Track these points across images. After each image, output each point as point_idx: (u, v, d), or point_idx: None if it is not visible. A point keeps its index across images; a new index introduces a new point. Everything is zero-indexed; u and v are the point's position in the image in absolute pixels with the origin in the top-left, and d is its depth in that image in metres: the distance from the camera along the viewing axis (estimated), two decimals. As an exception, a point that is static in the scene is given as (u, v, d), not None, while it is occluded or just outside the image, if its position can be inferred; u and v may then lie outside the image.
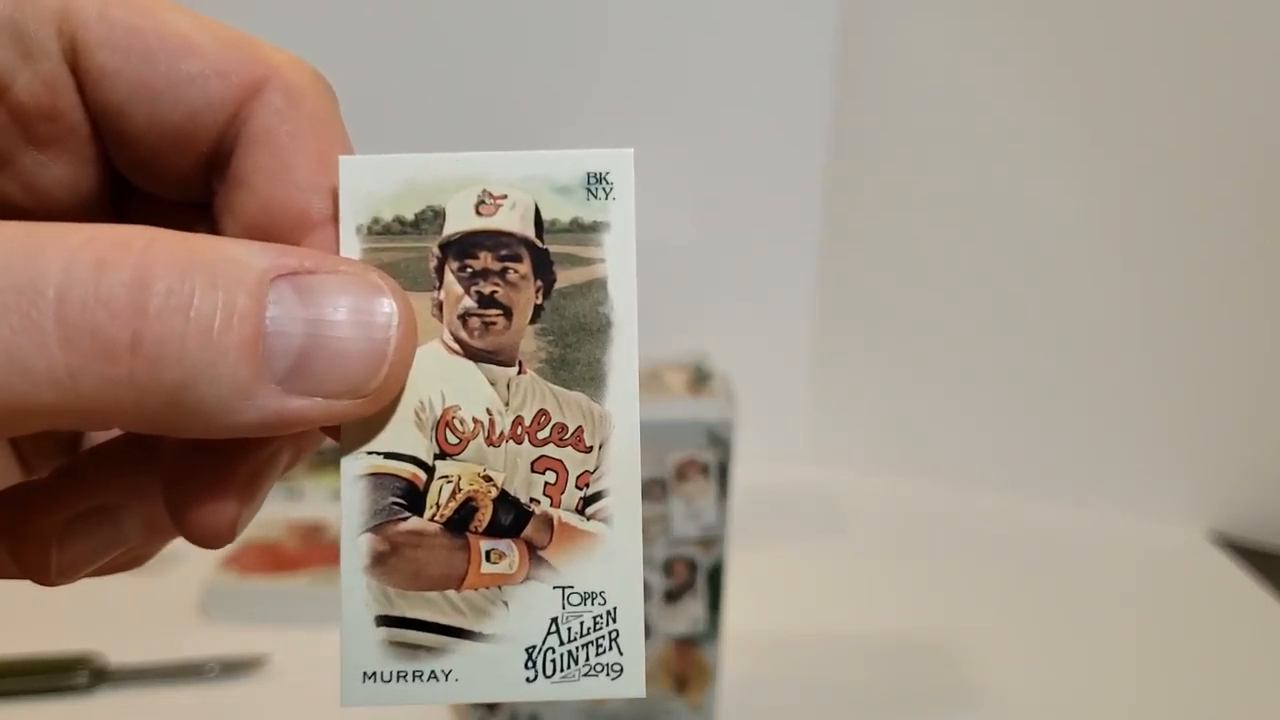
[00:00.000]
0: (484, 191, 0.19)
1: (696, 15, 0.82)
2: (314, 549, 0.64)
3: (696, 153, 0.85)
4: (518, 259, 0.19)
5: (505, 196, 0.19)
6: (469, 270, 0.19)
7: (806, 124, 0.84)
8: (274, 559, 0.62)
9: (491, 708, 0.48)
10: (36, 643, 0.54)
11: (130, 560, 0.21)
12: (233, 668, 0.53)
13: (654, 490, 0.45)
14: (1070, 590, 0.68)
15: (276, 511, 0.71)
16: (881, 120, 0.82)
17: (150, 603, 0.61)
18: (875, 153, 0.83)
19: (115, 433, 0.22)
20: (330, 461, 0.75)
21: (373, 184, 0.19)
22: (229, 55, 0.19)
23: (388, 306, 0.17)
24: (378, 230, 0.19)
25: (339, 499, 0.19)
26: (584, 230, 0.19)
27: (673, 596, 0.47)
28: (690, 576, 0.47)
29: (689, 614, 0.47)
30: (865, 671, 0.57)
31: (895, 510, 0.81)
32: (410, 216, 0.19)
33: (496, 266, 0.19)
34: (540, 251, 0.19)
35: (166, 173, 0.20)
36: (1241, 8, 0.69)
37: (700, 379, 0.49)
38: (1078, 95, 0.75)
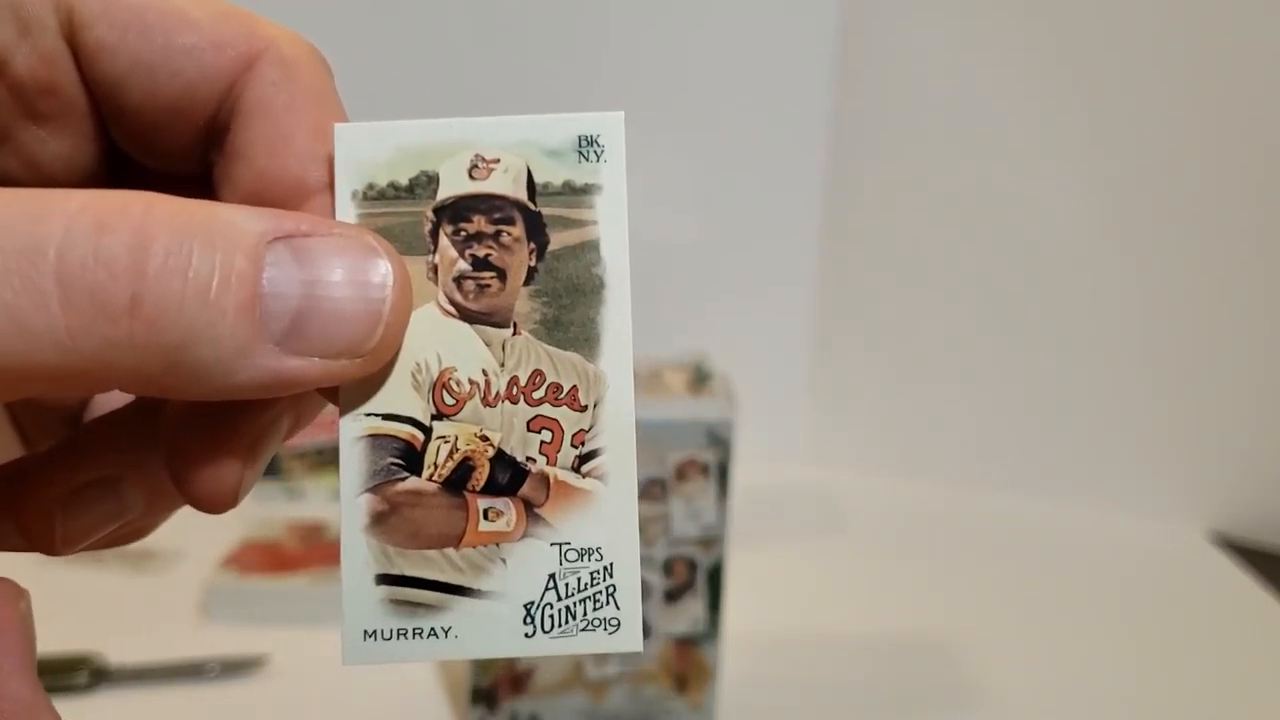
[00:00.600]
0: (476, 156, 0.19)
1: (697, 15, 0.82)
2: (314, 549, 0.64)
3: (697, 152, 0.85)
4: (511, 222, 0.19)
5: (498, 160, 0.19)
6: (463, 233, 0.19)
7: (806, 124, 0.84)
8: (274, 559, 0.62)
9: (491, 705, 0.48)
10: (37, 643, 0.54)
11: (133, 532, 0.21)
12: (233, 668, 0.53)
13: (654, 490, 0.45)
14: (1070, 590, 0.68)
15: (276, 511, 0.71)
16: (881, 120, 0.82)
17: (150, 603, 0.61)
18: (875, 152, 0.83)
19: (118, 403, 0.22)
20: (330, 462, 0.75)
21: (367, 151, 0.19)
22: (224, 28, 0.19)
23: (383, 268, 0.17)
24: (373, 196, 0.19)
25: (339, 499, 0.19)
26: (576, 193, 0.19)
27: (673, 596, 0.47)
28: (690, 576, 0.47)
29: (689, 614, 0.47)
30: (865, 671, 0.57)
31: (895, 510, 0.81)
32: (404, 182, 0.19)
33: (490, 229, 0.19)
34: (533, 214, 0.19)
35: (165, 146, 0.20)
36: (1242, 8, 0.69)
37: (700, 379, 0.49)
38: (1078, 95, 0.75)
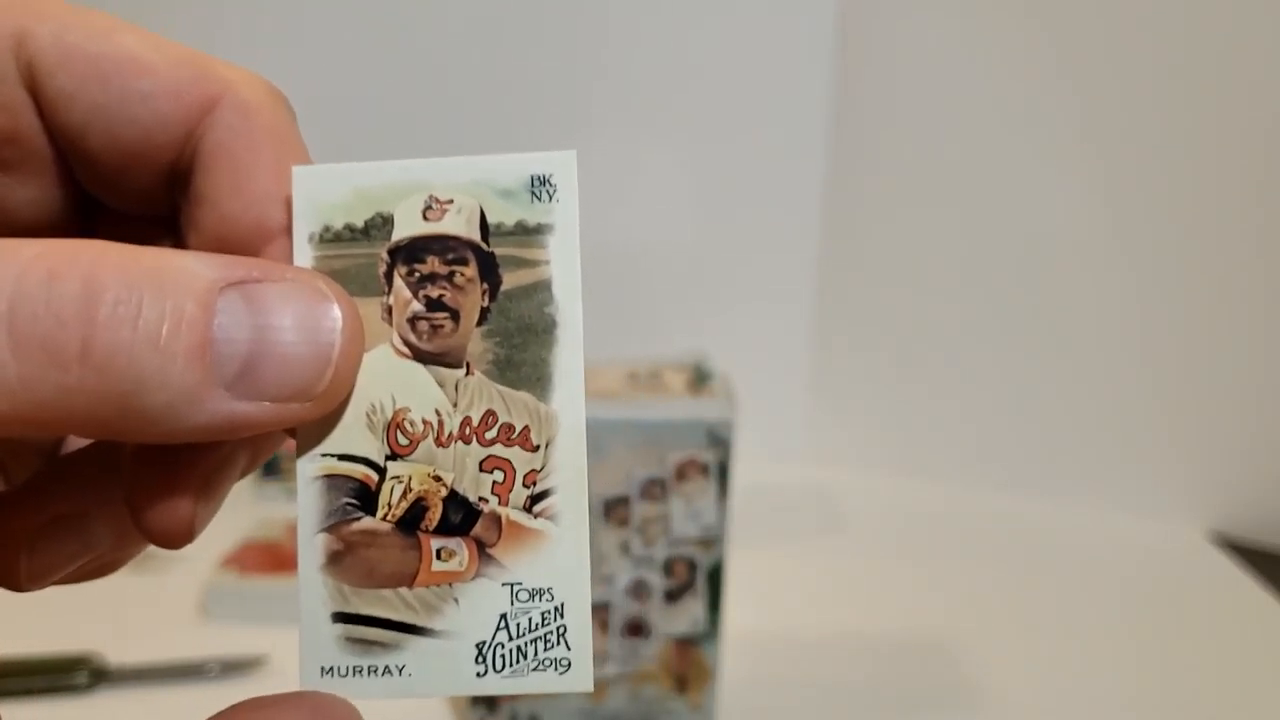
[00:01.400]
0: (430, 197, 0.19)
1: (696, 16, 0.82)
2: (314, 549, 0.63)
3: (697, 152, 0.85)
4: (464, 262, 0.19)
5: (451, 201, 0.19)
6: (417, 275, 0.19)
7: (806, 124, 0.84)
8: (274, 559, 0.62)
9: (491, 706, 0.48)
10: (36, 643, 0.54)
11: (102, 567, 0.21)
12: (233, 668, 0.53)
13: (654, 490, 0.45)
14: (1070, 590, 0.68)
15: (276, 511, 0.71)
16: (881, 121, 0.82)
17: (150, 603, 0.61)
18: (875, 153, 0.83)
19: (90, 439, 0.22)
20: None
21: (324, 193, 0.19)
22: (181, 74, 0.19)
23: (334, 313, 0.17)
24: (329, 238, 0.19)
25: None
26: (529, 233, 0.19)
27: (673, 596, 0.47)
28: (690, 576, 0.47)
29: (689, 614, 0.47)
30: (865, 671, 0.57)
31: (895, 510, 0.81)
32: (360, 224, 0.19)
33: (444, 270, 0.19)
34: (486, 255, 0.19)
35: (131, 189, 0.20)
36: (1241, 7, 0.69)
37: (700, 379, 0.49)
38: (1076, 98, 0.75)
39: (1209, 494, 0.77)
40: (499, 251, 0.19)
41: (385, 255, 0.19)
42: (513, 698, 0.47)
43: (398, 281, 0.19)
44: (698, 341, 0.69)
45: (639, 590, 0.46)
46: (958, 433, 0.85)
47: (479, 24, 0.84)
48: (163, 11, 0.82)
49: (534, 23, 0.84)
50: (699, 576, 0.47)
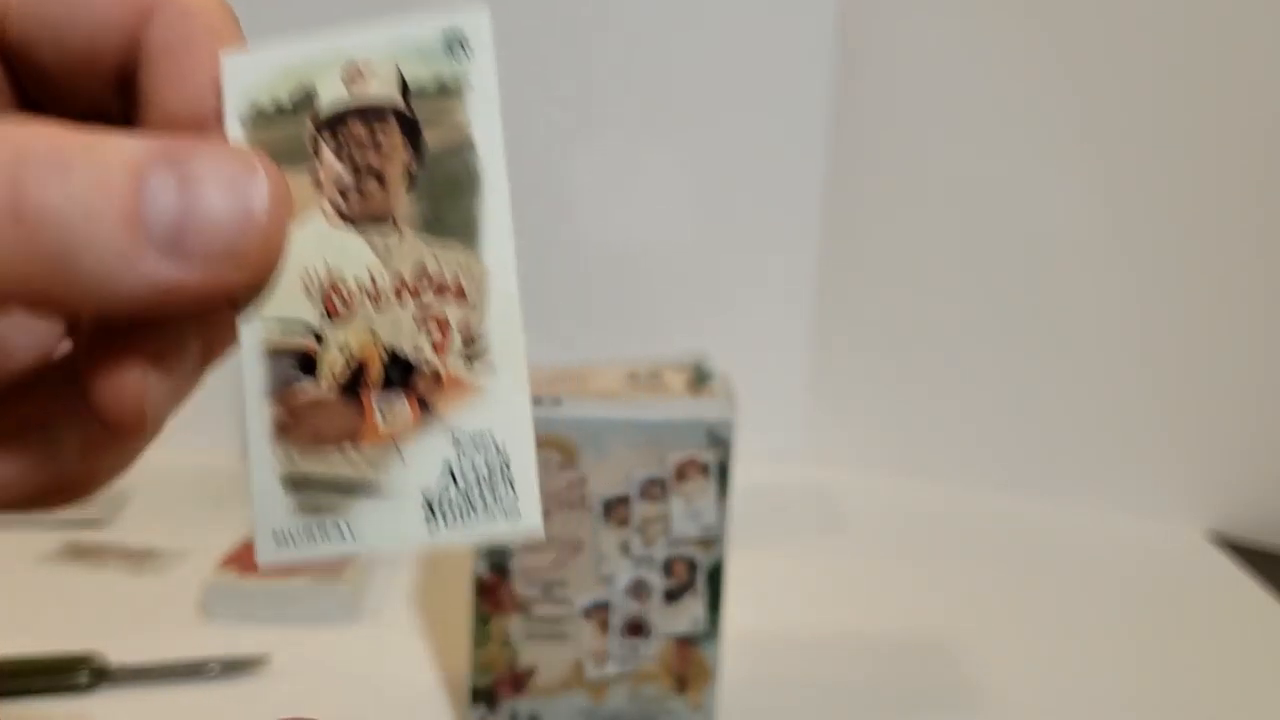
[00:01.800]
0: (350, 65, 0.20)
1: (696, 16, 0.82)
2: (314, 549, 0.63)
3: (696, 152, 0.85)
4: (387, 126, 0.20)
5: (371, 68, 0.20)
6: (342, 143, 0.20)
7: (806, 124, 0.84)
8: (274, 559, 0.62)
9: (491, 705, 0.48)
10: (36, 643, 0.54)
11: (72, 485, 0.21)
12: (233, 668, 0.53)
13: (654, 490, 0.45)
14: (1070, 590, 0.68)
15: (276, 511, 0.70)
16: (881, 121, 0.82)
17: (150, 603, 0.61)
18: (874, 153, 0.83)
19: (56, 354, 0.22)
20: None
21: (252, 74, 0.20)
22: None
23: (259, 179, 0.18)
24: (258, 116, 0.20)
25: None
26: (448, 92, 0.20)
27: (673, 596, 0.47)
28: (690, 576, 0.47)
29: (689, 614, 0.47)
30: (865, 671, 0.57)
31: (895, 510, 0.81)
32: (286, 99, 0.20)
33: (368, 136, 0.20)
34: (409, 118, 0.20)
35: (80, 98, 0.21)
36: (1241, 7, 0.69)
37: (700, 379, 0.49)
38: (1076, 98, 0.75)
39: (1209, 494, 0.77)
40: (421, 113, 0.20)
41: (311, 127, 0.20)
42: (513, 697, 0.47)
43: (324, 151, 0.20)
44: (698, 341, 0.69)
45: (639, 590, 0.46)
46: (958, 433, 0.85)
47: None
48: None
49: (534, 22, 0.84)
50: (699, 576, 0.47)
